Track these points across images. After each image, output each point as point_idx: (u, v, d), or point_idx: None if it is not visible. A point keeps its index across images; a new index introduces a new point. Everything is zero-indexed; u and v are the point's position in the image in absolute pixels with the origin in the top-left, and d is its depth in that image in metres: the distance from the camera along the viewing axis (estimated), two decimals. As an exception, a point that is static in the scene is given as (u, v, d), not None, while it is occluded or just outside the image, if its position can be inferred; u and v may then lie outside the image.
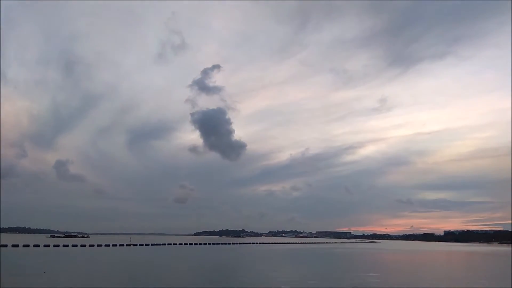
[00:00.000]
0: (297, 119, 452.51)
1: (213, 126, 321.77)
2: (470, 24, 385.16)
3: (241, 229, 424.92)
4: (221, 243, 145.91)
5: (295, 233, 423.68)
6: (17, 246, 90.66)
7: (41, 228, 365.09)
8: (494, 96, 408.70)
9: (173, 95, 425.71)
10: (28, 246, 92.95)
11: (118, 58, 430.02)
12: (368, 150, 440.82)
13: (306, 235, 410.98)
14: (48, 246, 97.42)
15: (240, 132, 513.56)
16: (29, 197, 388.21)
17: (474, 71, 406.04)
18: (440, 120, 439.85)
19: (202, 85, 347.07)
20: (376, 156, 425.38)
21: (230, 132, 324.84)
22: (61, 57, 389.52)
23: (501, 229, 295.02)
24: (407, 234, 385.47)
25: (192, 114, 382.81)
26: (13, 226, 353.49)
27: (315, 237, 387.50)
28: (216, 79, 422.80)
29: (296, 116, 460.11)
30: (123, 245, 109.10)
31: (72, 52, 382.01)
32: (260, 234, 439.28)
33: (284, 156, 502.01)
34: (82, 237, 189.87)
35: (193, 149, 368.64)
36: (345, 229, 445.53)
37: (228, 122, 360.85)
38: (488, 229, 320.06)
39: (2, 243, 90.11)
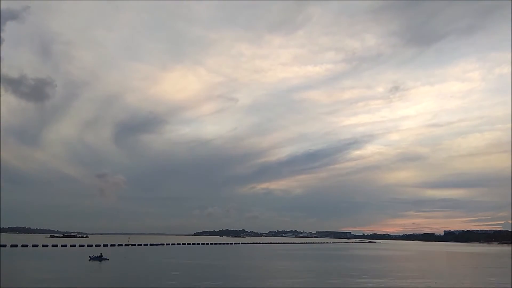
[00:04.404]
0: (298, 110, 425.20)
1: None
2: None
3: (241, 229, 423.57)
4: (225, 243, 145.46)
5: (295, 233, 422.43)
6: (16, 246, 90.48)
7: (41, 228, 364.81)
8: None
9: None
10: (26, 246, 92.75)
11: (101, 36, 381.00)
12: (376, 145, 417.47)
13: (306, 235, 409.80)
14: (47, 246, 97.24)
15: (236, 124, 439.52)
16: (25, 196, 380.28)
17: (506, 48, 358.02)
18: (458, 109, 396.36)
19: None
20: (384, 151, 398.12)
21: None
22: (35, 34, 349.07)
23: (501, 229, 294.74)
24: (407, 234, 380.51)
25: None
26: (13, 226, 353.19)
27: (315, 237, 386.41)
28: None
29: (297, 106, 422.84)
30: (121, 245, 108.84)
31: (48, 29, 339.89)
32: (260, 234, 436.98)
33: (284, 152, 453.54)
34: (81, 237, 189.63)
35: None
36: (346, 229, 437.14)
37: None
38: (489, 229, 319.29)
39: (1, 243, 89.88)
